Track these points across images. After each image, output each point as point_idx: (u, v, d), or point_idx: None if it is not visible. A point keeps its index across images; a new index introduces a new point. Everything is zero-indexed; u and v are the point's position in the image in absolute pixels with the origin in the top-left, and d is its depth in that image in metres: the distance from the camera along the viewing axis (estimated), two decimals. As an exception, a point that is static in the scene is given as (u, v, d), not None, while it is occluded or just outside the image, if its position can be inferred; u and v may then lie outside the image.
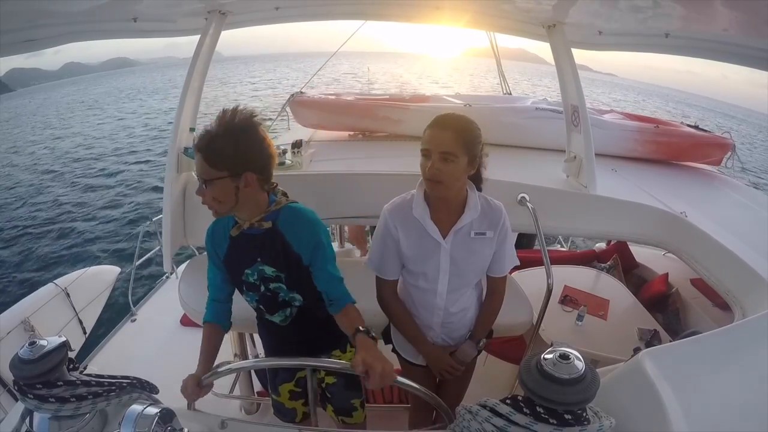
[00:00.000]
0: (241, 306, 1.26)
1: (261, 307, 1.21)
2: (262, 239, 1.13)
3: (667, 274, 2.96)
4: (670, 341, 2.02)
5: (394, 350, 1.48)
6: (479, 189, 1.28)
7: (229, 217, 1.16)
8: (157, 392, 0.97)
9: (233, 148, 1.01)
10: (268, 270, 1.15)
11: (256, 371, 1.92)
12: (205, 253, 1.23)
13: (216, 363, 1.16)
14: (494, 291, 1.34)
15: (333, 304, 1.15)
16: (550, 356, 0.66)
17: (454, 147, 1.09)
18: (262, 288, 1.17)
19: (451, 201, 1.19)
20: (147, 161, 12.86)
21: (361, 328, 1.06)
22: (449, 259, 1.22)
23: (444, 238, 1.20)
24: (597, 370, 0.68)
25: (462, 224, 1.19)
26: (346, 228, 3.71)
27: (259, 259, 1.15)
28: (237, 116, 1.03)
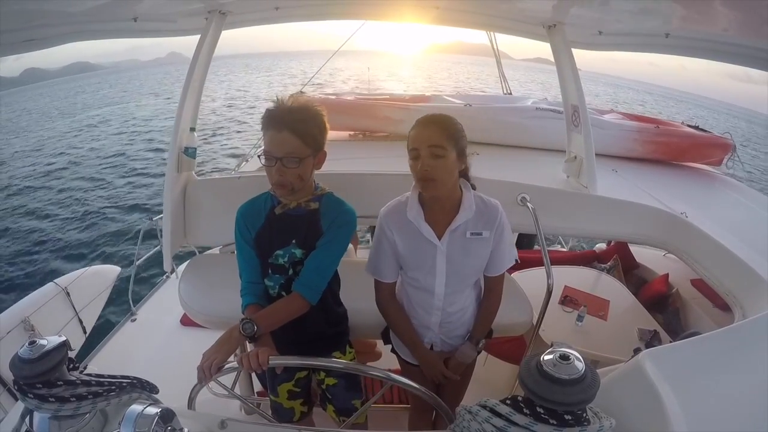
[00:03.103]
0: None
1: (283, 293, 1.21)
2: (302, 221, 1.16)
3: (667, 275, 2.96)
4: (670, 342, 2.02)
5: (393, 350, 1.48)
6: (473, 187, 1.27)
7: (265, 198, 1.20)
8: (157, 392, 0.97)
9: (317, 128, 1.10)
10: (299, 252, 1.16)
11: (255, 371, 1.92)
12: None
13: None
14: (492, 290, 1.34)
15: (297, 282, 1.16)
16: (550, 357, 0.66)
17: (442, 140, 1.10)
18: (291, 272, 1.18)
19: (445, 201, 1.19)
20: (147, 160, 12.86)
21: (253, 322, 1.05)
22: (445, 259, 1.21)
23: (439, 239, 1.20)
24: (597, 370, 0.68)
25: (457, 224, 1.19)
26: None
27: (294, 241, 1.16)
28: (310, 101, 1.11)
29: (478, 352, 1.38)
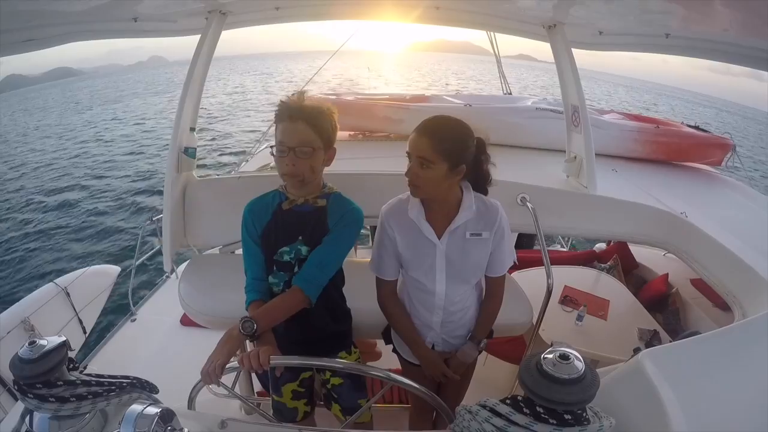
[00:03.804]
0: (243, 305, 1.25)
1: (287, 290, 1.20)
2: (309, 217, 1.17)
3: (667, 275, 2.96)
4: (670, 341, 2.02)
5: (394, 350, 1.48)
6: (484, 191, 1.26)
7: (273, 194, 1.22)
8: (157, 392, 0.97)
9: (328, 122, 1.13)
10: (305, 250, 1.17)
11: (256, 371, 1.92)
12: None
13: None
14: (493, 291, 1.34)
15: (297, 276, 1.16)
16: (549, 356, 0.66)
17: (430, 153, 1.09)
18: (296, 269, 1.18)
19: (444, 202, 1.20)
20: (146, 161, 12.86)
21: (253, 320, 1.05)
22: (445, 259, 1.22)
23: (439, 238, 1.20)
24: (597, 370, 0.68)
25: (456, 225, 1.19)
26: None
27: (300, 238, 1.17)
28: (320, 98, 1.14)
29: (480, 352, 1.38)
